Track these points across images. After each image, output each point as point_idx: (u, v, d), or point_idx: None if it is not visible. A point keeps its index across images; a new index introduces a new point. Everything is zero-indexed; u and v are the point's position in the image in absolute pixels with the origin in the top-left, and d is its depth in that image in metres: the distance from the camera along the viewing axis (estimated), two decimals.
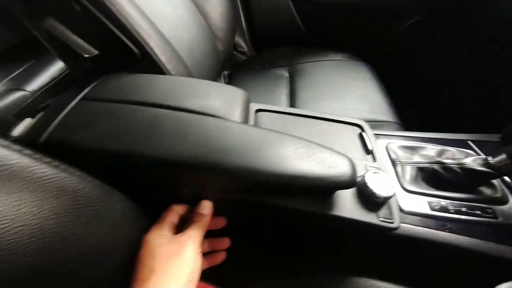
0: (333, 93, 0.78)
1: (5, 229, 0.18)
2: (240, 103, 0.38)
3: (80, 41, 0.42)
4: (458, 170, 0.38)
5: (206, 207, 0.31)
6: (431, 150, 0.44)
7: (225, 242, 0.35)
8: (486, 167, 0.36)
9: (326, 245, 0.42)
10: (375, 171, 0.35)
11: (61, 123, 0.31)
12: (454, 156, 0.43)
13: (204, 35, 0.78)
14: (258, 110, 0.45)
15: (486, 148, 0.48)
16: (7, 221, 0.18)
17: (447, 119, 0.77)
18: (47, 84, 0.71)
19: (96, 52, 0.43)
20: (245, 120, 0.38)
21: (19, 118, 0.64)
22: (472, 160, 0.38)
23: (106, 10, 0.38)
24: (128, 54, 0.42)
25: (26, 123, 0.35)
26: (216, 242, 0.34)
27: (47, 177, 0.21)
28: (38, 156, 0.21)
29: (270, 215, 0.34)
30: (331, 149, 0.32)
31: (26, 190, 0.19)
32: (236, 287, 0.40)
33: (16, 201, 0.19)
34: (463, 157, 0.42)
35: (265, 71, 0.94)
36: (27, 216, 0.19)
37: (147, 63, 0.43)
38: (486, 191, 0.39)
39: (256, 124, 0.42)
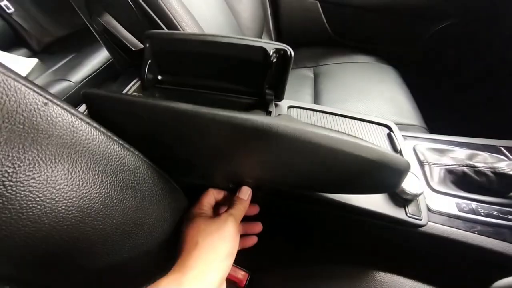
0: (358, 94, 0.78)
1: (84, 194, 0.21)
2: None
3: (129, 35, 0.45)
4: (491, 174, 0.38)
5: (246, 193, 0.33)
6: (461, 153, 0.44)
7: (258, 227, 0.37)
8: None
9: (352, 239, 0.43)
10: None
11: None
12: (486, 161, 0.43)
13: (235, 33, 0.81)
14: (290, 107, 0.47)
15: None
16: (86, 188, 0.21)
17: (477, 125, 0.75)
18: (89, 75, 0.76)
19: (142, 46, 0.47)
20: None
21: None
22: (506, 165, 0.38)
23: (155, 5, 0.41)
24: None
25: (82, 108, 0.38)
26: (249, 226, 0.36)
27: (116, 153, 0.24)
28: (109, 134, 0.24)
29: (302, 205, 0.36)
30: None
31: (101, 163, 0.22)
32: (259, 272, 0.42)
33: (93, 171, 0.22)
34: (495, 161, 0.41)
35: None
36: (99, 185, 0.22)
37: None
38: None
39: None
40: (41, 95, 0.19)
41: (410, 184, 0.34)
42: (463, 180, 0.40)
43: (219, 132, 0.27)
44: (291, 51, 0.37)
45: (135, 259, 0.28)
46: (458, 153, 0.44)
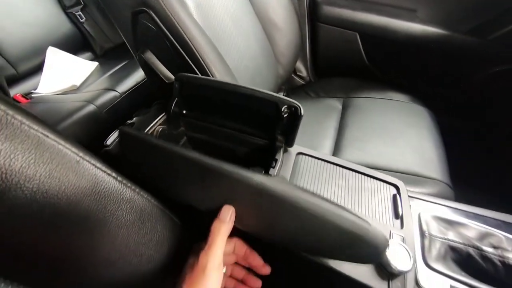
0: (384, 136, 0.76)
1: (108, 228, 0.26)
2: None
3: (165, 70, 0.52)
4: (498, 263, 0.36)
5: (226, 215, 0.31)
6: (472, 229, 0.42)
7: (257, 283, 0.38)
8: None
9: None
10: (398, 242, 0.35)
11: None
12: (500, 244, 0.40)
13: (268, 62, 0.84)
14: (299, 154, 0.49)
15: None
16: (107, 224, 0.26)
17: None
18: (133, 87, 0.87)
19: None
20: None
21: (109, 114, 0.79)
22: None
23: (187, 48, 0.47)
24: None
25: (116, 134, 0.45)
26: (250, 278, 0.38)
27: (127, 198, 0.29)
28: (124, 181, 0.29)
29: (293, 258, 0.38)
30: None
31: (115, 207, 0.27)
32: None
33: (105, 214, 0.27)
34: (511, 248, 0.39)
35: (318, 99, 0.97)
36: (109, 224, 0.27)
37: None
38: None
39: (294, 167, 0.46)
40: (75, 153, 0.25)
41: (399, 259, 0.34)
42: (466, 262, 0.38)
43: (222, 183, 0.31)
44: (301, 110, 0.39)
45: (134, 283, 0.32)
46: (469, 229, 0.42)
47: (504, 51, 0.80)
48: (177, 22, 0.45)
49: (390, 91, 0.92)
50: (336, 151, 0.76)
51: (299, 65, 1.06)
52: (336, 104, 0.93)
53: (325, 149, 0.77)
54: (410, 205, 0.46)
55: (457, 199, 0.62)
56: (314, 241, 0.32)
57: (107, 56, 1.19)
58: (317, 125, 0.85)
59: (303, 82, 1.08)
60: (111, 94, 0.80)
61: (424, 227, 0.42)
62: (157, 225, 0.32)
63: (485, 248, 0.37)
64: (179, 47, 0.46)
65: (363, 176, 0.47)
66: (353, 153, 0.73)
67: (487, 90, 0.86)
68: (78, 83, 0.98)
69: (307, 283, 0.44)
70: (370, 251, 0.31)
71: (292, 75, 1.08)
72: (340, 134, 0.81)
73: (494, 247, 0.38)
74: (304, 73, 1.07)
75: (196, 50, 0.46)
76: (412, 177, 0.65)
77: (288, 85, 1.08)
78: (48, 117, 0.72)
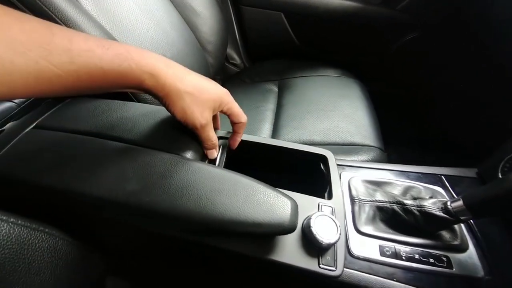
0: (319, 111, 0.76)
1: None
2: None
3: None
4: (417, 213, 0.36)
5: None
6: (397, 186, 0.43)
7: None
8: (444, 212, 0.35)
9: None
10: (322, 213, 0.33)
11: (7, 153, 0.32)
12: (419, 195, 0.41)
13: (191, 49, 0.78)
14: (220, 138, 0.44)
15: (463, 184, 0.46)
16: None
17: (436, 145, 0.74)
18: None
19: None
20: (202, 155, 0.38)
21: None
22: (432, 203, 0.36)
23: None
24: None
25: None
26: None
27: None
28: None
29: (207, 254, 0.34)
30: (273, 189, 0.31)
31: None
32: None
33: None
34: (427, 196, 0.40)
35: (254, 84, 0.94)
36: None
37: None
38: (446, 236, 0.37)
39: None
40: None
41: (326, 231, 0.32)
42: (392, 218, 0.38)
43: None
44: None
45: None
46: (394, 187, 0.43)
47: (410, 19, 0.86)
48: (43, 4, 0.36)
49: (322, 67, 0.93)
50: (274, 132, 0.74)
51: (231, 53, 1.02)
52: (271, 87, 0.91)
53: (264, 132, 0.75)
54: (340, 174, 0.45)
55: (390, 161, 0.65)
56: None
57: None
58: (255, 110, 0.82)
59: (237, 70, 1.04)
60: (6, 105, 0.66)
61: (354, 193, 0.41)
62: (29, 249, 0.25)
63: (406, 201, 0.38)
64: None
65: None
66: (290, 132, 0.72)
67: (405, 56, 0.92)
68: None
69: (249, 281, 0.41)
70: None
71: (226, 63, 1.03)
72: (277, 116, 0.79)
73: (414, 198, 0.39)
74: (237, 60, 1.03)
75: None
76: (347, 147, 0.66)
77: (223, 74, 1.03)
78: None
